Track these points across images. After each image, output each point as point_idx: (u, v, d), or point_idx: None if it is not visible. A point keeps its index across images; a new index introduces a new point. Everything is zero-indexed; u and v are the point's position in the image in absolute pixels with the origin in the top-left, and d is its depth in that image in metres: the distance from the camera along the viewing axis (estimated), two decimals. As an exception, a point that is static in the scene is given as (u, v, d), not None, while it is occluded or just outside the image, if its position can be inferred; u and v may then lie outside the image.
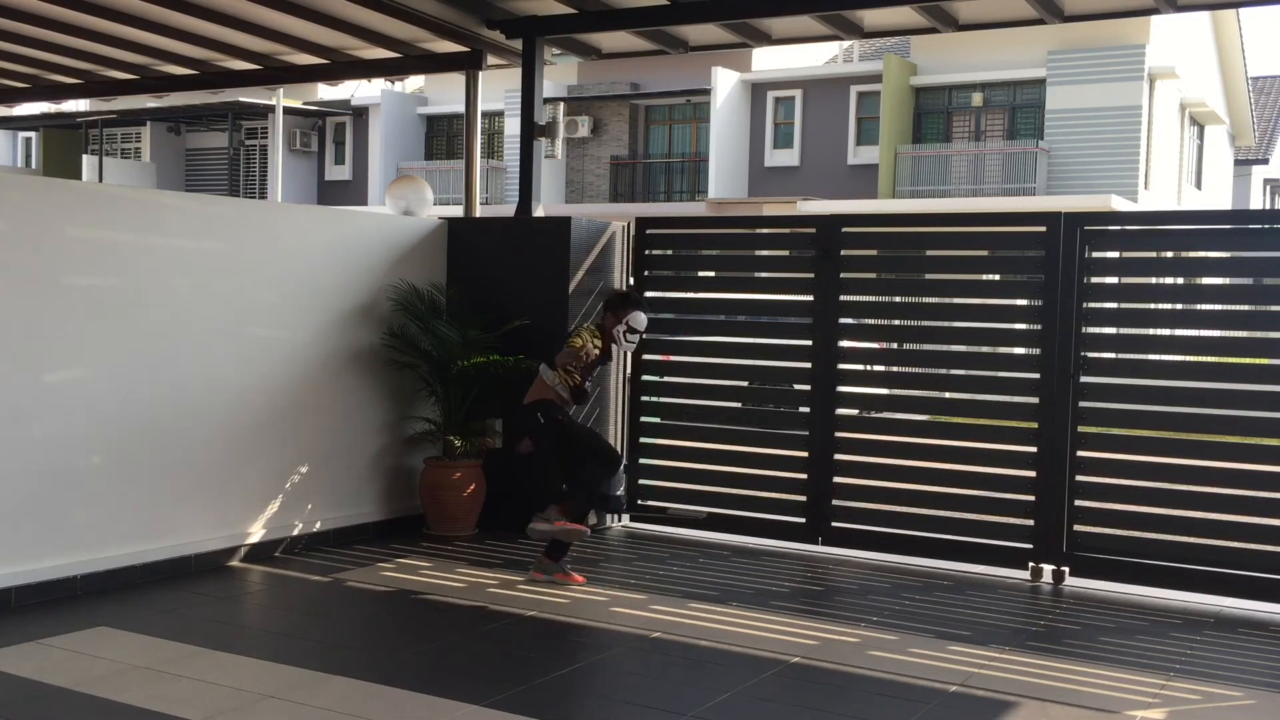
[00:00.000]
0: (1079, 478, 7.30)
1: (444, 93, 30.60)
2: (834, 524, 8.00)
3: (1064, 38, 23.14)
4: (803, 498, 8.09)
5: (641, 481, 8.69)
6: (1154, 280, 8.17)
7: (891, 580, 7.36)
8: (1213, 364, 7.48)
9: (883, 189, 24.94)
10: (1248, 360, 7.39)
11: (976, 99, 25.07)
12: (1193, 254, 8.06)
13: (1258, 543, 6.89)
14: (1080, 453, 7.30)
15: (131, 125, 33.78)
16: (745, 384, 8.95)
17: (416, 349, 8.24)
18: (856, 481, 8.02)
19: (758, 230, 9.91)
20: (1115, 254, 7.88)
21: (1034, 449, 7.41)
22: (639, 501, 8.70)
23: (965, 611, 6.66)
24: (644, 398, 8.75)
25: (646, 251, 8.75)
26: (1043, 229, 7.44)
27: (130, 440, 6.78)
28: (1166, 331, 7.73)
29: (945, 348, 8.28)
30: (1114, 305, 7.56)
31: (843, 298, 8.02)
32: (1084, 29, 22.23)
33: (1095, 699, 5.20)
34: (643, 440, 8.71)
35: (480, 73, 9.47)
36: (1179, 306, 7.77)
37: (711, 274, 9.01)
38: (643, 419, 8.77)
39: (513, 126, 27.59)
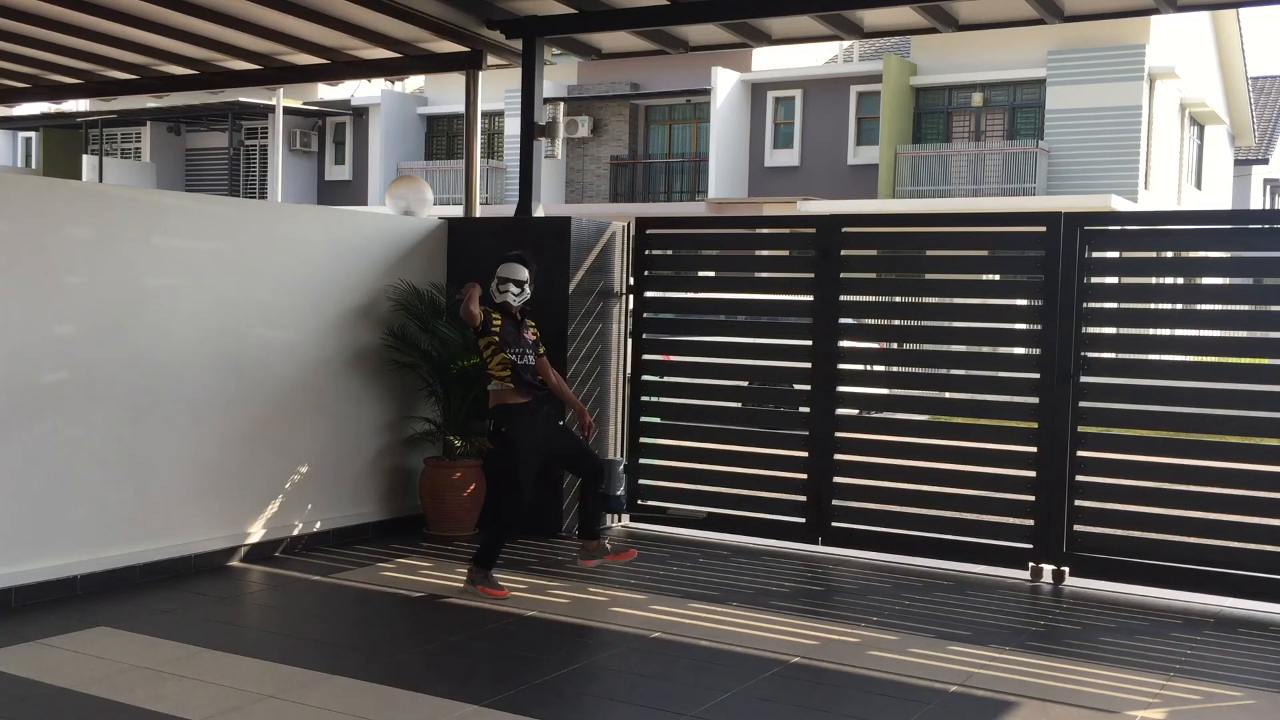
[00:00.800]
0: (1079, 478, 7.30)
1: (444, 93, 30.60)
2: (834, 524, 8.00)
3: (1064, 38, 23.14)
4: (803, 498, 8.09)
5: (641, 481, 8.69)
6: (1154, 280, 8.17)
7: (891, 580, 7.36)
8: (1213, 364, 7.48)
9: (883, 189, 24.94)
10: (1248, 360, 7.39)
11: (976, 99, 25.07)
12: (1193, 254, 8.07)
13: (1257, 543, 6.89)
14: (1080, 453, 7.30)
15: (131, 125, 33.78)
16: (745, 384, 8.95)
17: (416, 349, 8.24)
18: (856, 481, 8.02)
19: (758, 230, 9.91)
20: (1115, 254, 7.88)
21: (1034, 449, 7.41)
22: (639, 501, 8.70)
23: (965, 611, 6.66)
24: (644, 398, 8.75)
25: (646, 251, 8.75)
26: (1043, 229, 7.44)
27: (130, 440, 6.78)
28: (1166, 331, 7.73)
29: (945, 348, 8.29)
30: (1114, 305, 7.56)
31: (843, 298, 8.02)
32: (1084, 29, 22.23)
33: (1095, 699, 5.20)
34: (643, 440, 8.71)
35: (480, 73, 9.47)
36: (1179, 306, 7.77)
37: (711, 274, 9.01)
38: (643, 419, 8.77)
39: (513, 126, 27.59)
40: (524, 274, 6.93)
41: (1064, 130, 23.64)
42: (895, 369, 8.97)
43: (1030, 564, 7.45)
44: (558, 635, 6.08)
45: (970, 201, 23.46)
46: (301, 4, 8.48)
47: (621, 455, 8.75)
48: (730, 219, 16.24)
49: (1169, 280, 8.29)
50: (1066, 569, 7.35)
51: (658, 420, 8.80)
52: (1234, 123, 30.53)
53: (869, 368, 8.48)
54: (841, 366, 8.02)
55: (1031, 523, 7.41)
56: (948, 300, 8.18)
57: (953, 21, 8.47)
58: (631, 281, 8.74)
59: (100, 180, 29.79)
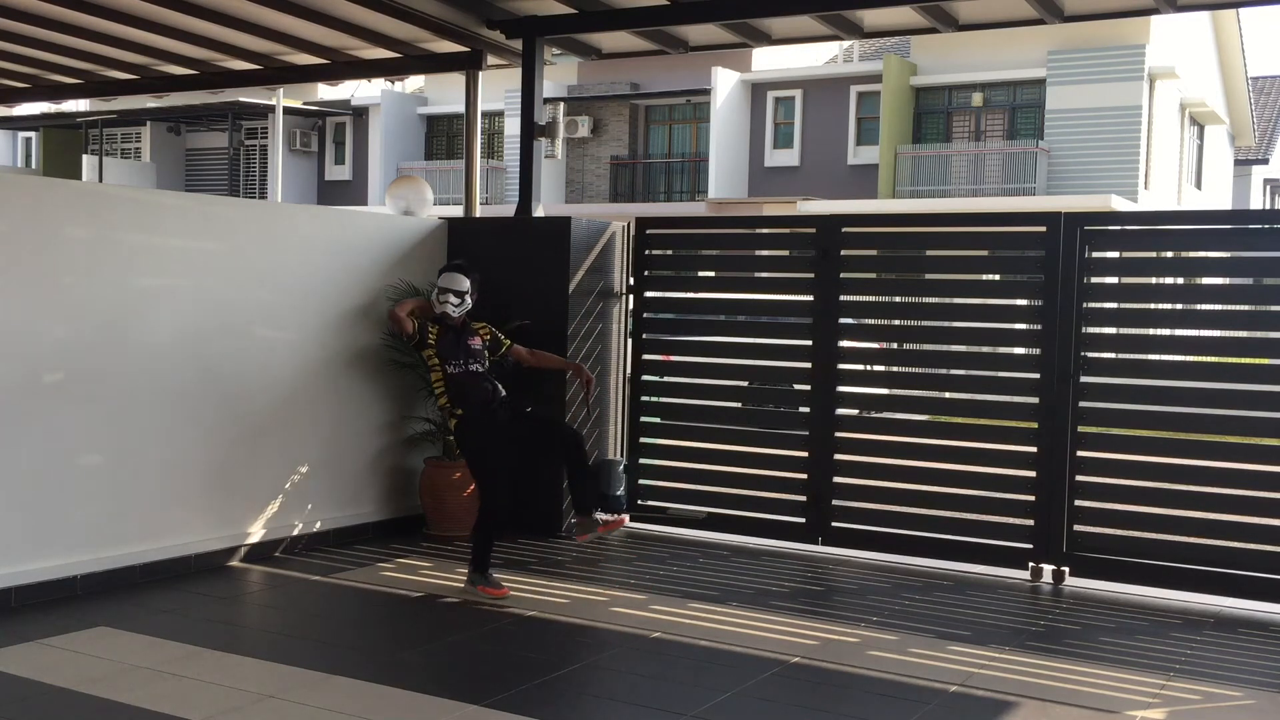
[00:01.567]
0: (1079, 478, 7.30)
1: (444, 93, 30.60)
2: (834, 524, 8.00)
3: (1064, 38, 23.14)
4: (803, 498, 8.09)
5: (642, 481, 8.69)
6: (1154, 280, 8.17)
7: (891, 580, 7.36)
8: (1213, 364, 7.48)
9: (883, 189, 24.94)
10: (1248, 360, 7.39)
11: (976, 99, 25.07)
12: (1193, 254, 8.06)
13: (1257, 543, 6.89)
14: (1080, 453, 7.30)
15: (131, 125, 33.78)
16: (745, 384, 8.95)
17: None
18: (856, 481, 8.01)
19: (758, 230, 9.91)
20: (1115, 254, 7.88)
21: (1034, 449, 7.41)
22: (639, 501, 8.70)
23: (965, 611, 6.66)
24: (644, 398, 8.75)
25: (646, 251, 8.75)
26: (1043, 229, 7.44)
27: (130, 440, 6.77)
28: (1166, 331, 7.73)
29: (945, 348, 8.29)
30: (1114, 305, 7.56)
31: (843, 298, 8.02)
32: (1084, 29, 22.23)
33: (1095, 699, 5.20)
34: (643, 440, 8.71)
35: (480, 73, 9.46)
36: (1179, 306, 7.77)
37: (711, 274, 9.01)
38: (643, 419, 8.77)
39: (513, 126, 27.59)
40: (464, 284, 6.84)
41: (1064, 130, 23.65)
42: (895, 369, 8.97)
43: (1030, 564, 7.44)
44: (558, 635, 6.08)
45: (970, 201, 23.46)
46: (301, 4, 8.48)
47: (621, 455, 8.75)
48: (730, 219, 16.25)
49: (1169, 280, 8.29)
50: (1066, 569, 7.35)
51: (658, 420, 8.80)
52: (1234, 123, 30.53)
53: (869, 368, 8.48)
54: (841, 366, 8.02)
55: (1031, 523, 7.41)
56: (948, 300, 8.18)
57: (953, 21, 8.47)
58: (631, 281, 8.74)
59: (100, 180, 29.80)
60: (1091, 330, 7.30)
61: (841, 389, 8.02)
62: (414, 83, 31.52)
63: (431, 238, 8.72)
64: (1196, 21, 26.36)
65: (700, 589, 6.98)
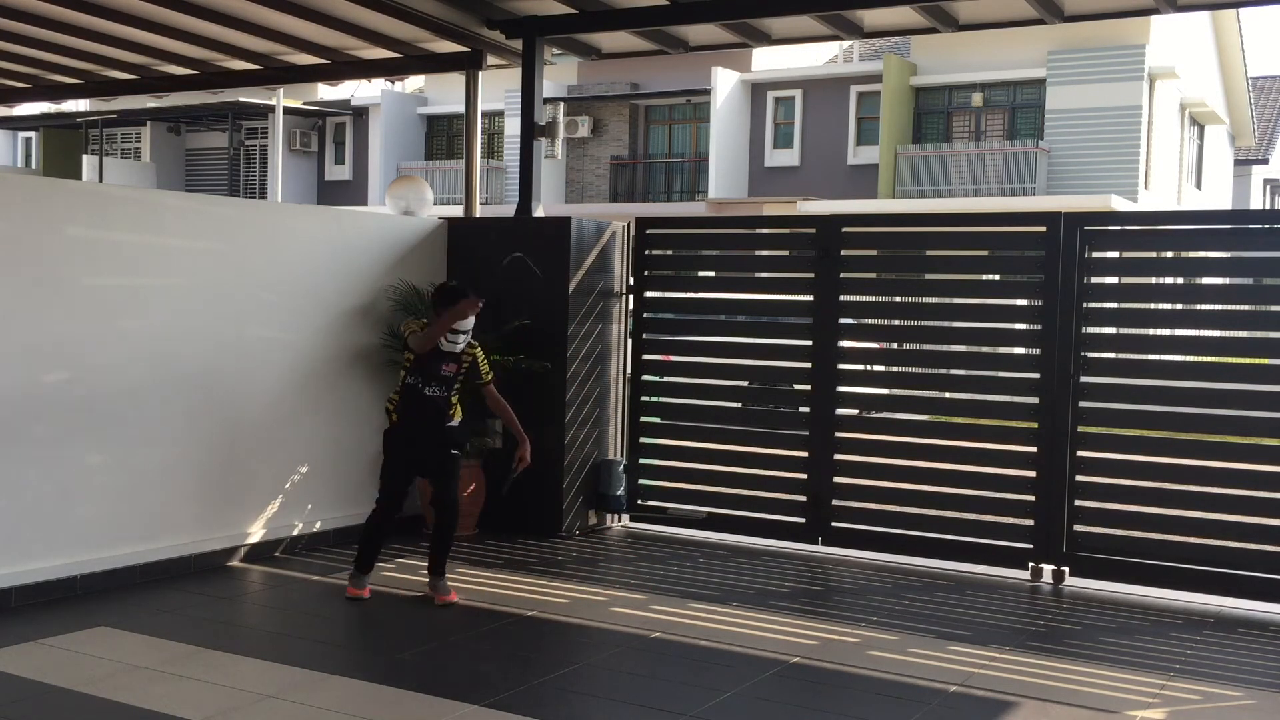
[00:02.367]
0: (1079, 478, 7.30)
1: (444, 93, 30.60)
2: (834, 524, 8.00)
3: (1064, 38, 23.13)
4: (803, 498, 8.09)
5: (641, 481, 8.69)
6: (1154, 280, 8.17)
7: (891, 580, 7.36)
8: (1213, 364, 7.49)
9: (883, 189, 24.93)
10: (1248, 360, 7.39)
11: (976, 99, 25.06)
12: (1193, 254, 8.06)
13: (1257, 543, 6.89)
14: (1080, 453, 7.30)
15: (131, 125, 33.78)
16: (745, 384, 8.95)
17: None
18: (856, 481, 8.02)
19: (758, 230, 9.91)
20: (1115, 254, 7.88)
21: (1034, 449, 7.41)
22: (639, 501, 8.70)
23: (965, 611, 6.66)
24: (644, 398, 8.75)
25: (646, 251, 8.75)
26: (1043, 229, 7.44)
27: (130, 440, 6.77)
28: (1166, 331, 7.73)
29: (945, 348, 8.28)
30: (1114, 305, 7.56)
31: (843, 298, 8.02)
32: (1084, 29, 22.22)
33: (1095, 699, 5.20)
34: (643, 440, 8.71)
35: (480, 73, 9.46)
36: (1179, 306, 7.77)
37: (711, 274, 9.01)
38: (643, 419, 8.77)
39: (513, 126, 27.58)
40: (471, 325, 6.48)
41: (1064, 130, 23.64)
42: (895, 369, 8.97)
43: (1030, 564, 7.44)
44: (558, 635, 6.08)
45: (970, 201, 23.45)
46: (301, 4, 8.48)
47: (621, 455, 8.75)
48: (730, 219, 16.24)
49: (1169, 280, 8.29)
50: (1066, 569, 7.35)
51: (658, 420, 8.80)
52: (1234, 123, 30.52)
53: (869, 368, 8.48)
54: (841, 366, 8.02)
55: (1031, 523, 7.41)
56: (948, 300, 8.18)
57: (953, 21, 8.47)
58: (631, 281, 8.74)
59: (100, 180, 29.79)
60: (1091, 330, 7.30)
61: (841, 389, 8.02)
62: (414, 83, 31.52)
63: (431, 238, 8.71)
64: (1196, 21, 26.35)
65: (700, 589, 6.98)
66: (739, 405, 8.88)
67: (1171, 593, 7.06)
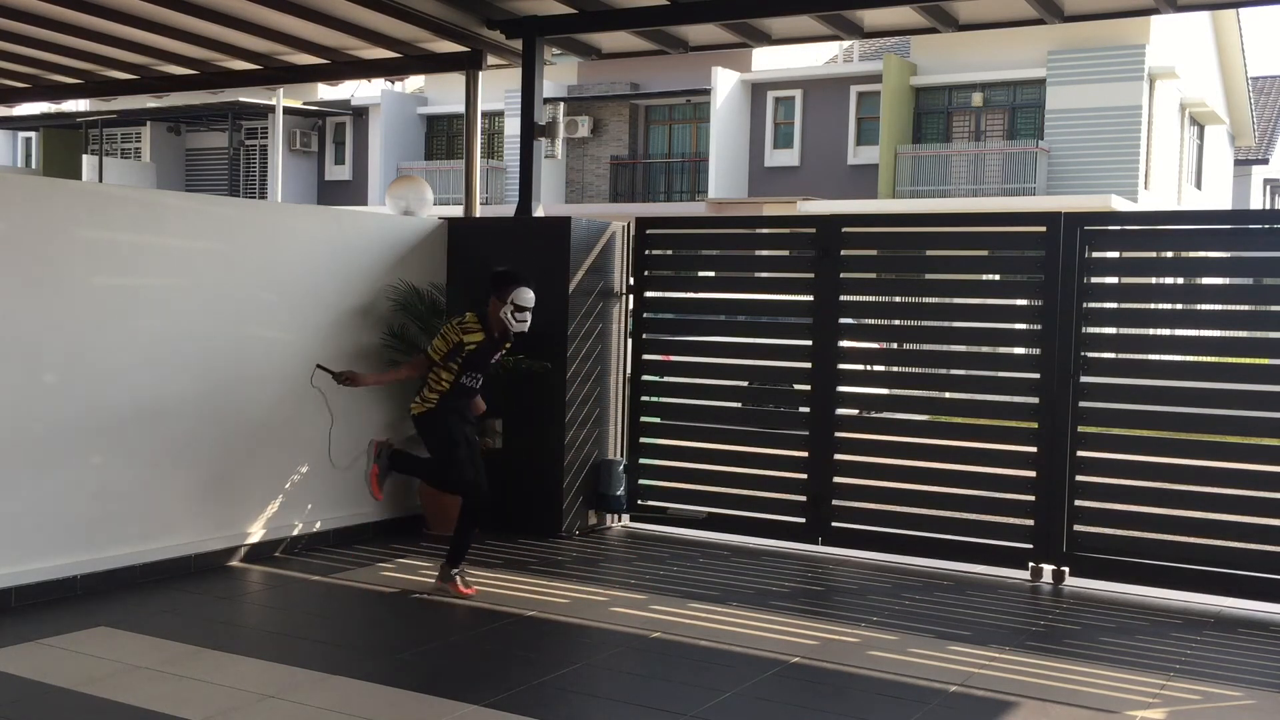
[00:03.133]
0: (1079, 478, 7.30)
1: (444, 93, 30.60)
2: (834, 524, 8.00)
3: (1064, 38, 23.13)
4: (803, 498, 8.09)
5: (641, 481, 8.69)
6: (1154, 280, 8.16)
7: (891, 580, 7.36)
8: (1213, 364, 7.48)
9: (883, 189, 24.93)
10: (1247, 360, 7.39)
11: (976, 99, 25.06)
12: (1193, 254, 8.06)
13: (1257, 543, 6.89)
14: (1080, 453, 7.30)
15: (131, 125, 33.78)
16: (745, 384, 8.95)
17: (416, 349, 8.22)
18: (856, 481, 8.01)
19: (758, 230, 9.91)
20: (1115, 254, 7.88)
21: (1034, 449, 7.41)
22: (639, 501, 8.70)
23: (965, 611, 6.66)
24: (644, 398, 8.75)
25: (646, 251, 8.75)
26: (1043, 229, 7.44)
27: (130, 440, 6.77)
28: (1166, 331, 7.73)
29: (945, 348, 8.28)
30: (1114, 305, 7.56)
31: (843, 298, 8.02)
32: (1084, 29, 22.22)
33: (1095, 699, 5.20)
34: (643, 440, 8.71)
35: (480, 73, 9.46)
36: (1179, 306, 7.77)
37: (711, 274, 9.01)
38: (643, 419, 8.77)
39: (513, 126, 27.58)
40: (533, 300, 6.71)
41: (1064, 130, 23.64)
42: (895, 369, 8.97)
43: (1030, 564, 7.44)
44: (558, 635, 6.08)
45: (970, 201, 23.45)
46: (301, 4, 8.48)
47: (621, 455, 8.75)
48: (730, 219, 16.24)
49: (1169, 280, 8.29)
50: (1066, 569, 7.35)
51: (658, 420, 8.80)
52: (1234, 123, 30.52)
53: (869, 368, 8.48)
54: (841, 366, 8.02)
55: (1031, 523, 7.41)
56: (948, 300, 8.17)
57: (953, 21, 8.47)
58: (631, 281, 8.74)
59: (100, 180, 29.79)
60: (1091, 330, 7.30)
61: (841, 389, 8.02)
62: (414, 83, 31.51)
63: (431, 238, 8.71)
64: (1196, 21, 26.35)
65: (700, 589, 6.98)
66: (739, 405, 8.88)
67: (1171, 593, 7.06)
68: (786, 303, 8.45)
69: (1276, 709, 5.21)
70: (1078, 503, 7.31)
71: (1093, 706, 5.11)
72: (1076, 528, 7.31)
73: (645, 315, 8.73)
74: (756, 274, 8.92)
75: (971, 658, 5.75)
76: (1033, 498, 7.41)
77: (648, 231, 8.76)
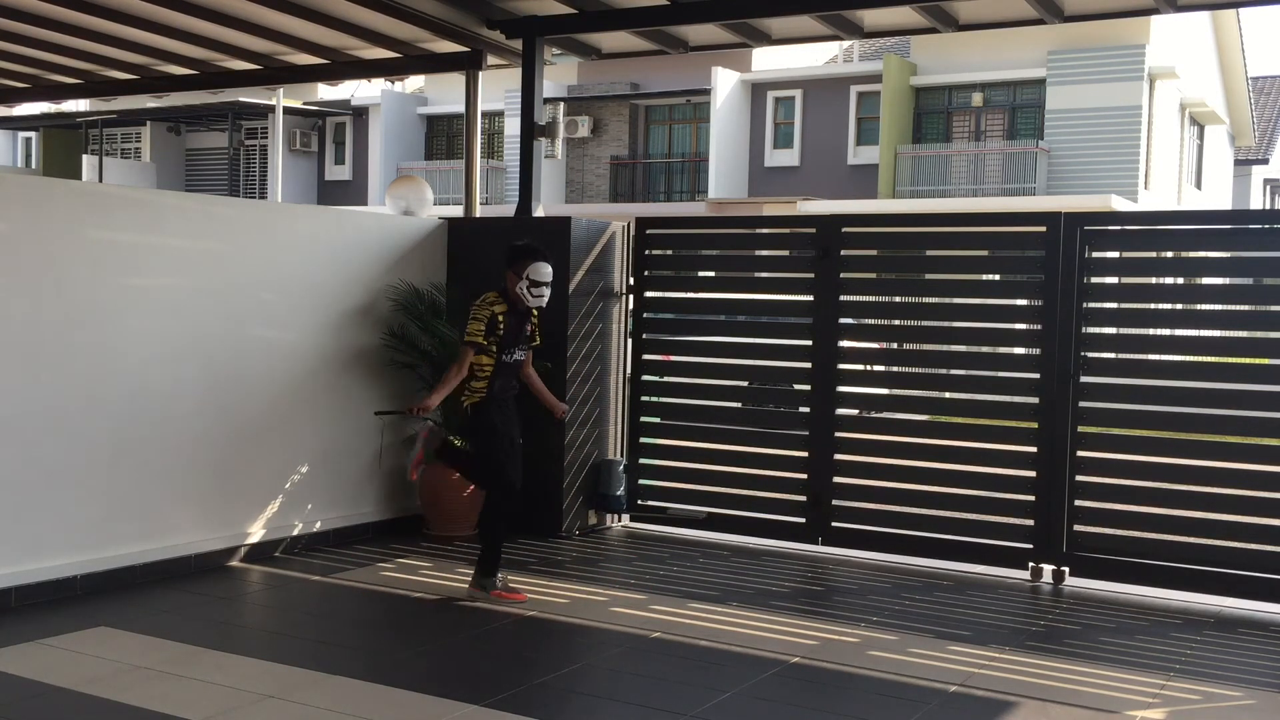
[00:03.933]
0: (1079, 478, 7.30)
1: (444, 93, 30.60)
2: (834, 524, 7.99)
3: (1064, 38, 23.14)
4: (803, 498, 8.09)
5: (641, 481, 8.69)
6: (1154, 280, 8.17)
7: (891, 580, 7.36)
8: (1212, 364, 7.48)
9: (883, 189, 24.94)
10: (1248, 360, 7.39)
11: (976, 99, 25.07)
12: (1193, 254, 8.06)
13: (1258, 543, 6.89)
14: (1080, 453, 7.29)
15: (131, 125, 33.79)
16: (745, 384, 8.95)
17: (416, 349, 8.24)
18: (857, 481, 8.01)
19: (758, 230, 9.91)
20: (1115, 254, 7.88)
21: (1034, 449, 7.41)
22: (639, 501, 8.70)
23: (965, 611, 6.66)
24: (644, 398, 8.75)
25: (646, 251, 8.75)
26: (1043, 229, 7.44)
27: (131, 440, 6.78)
28: (1166, 331, 7.73)
29: (945, 348, 8.28)
30: (1114, 305, 7.56)
31: (843, 298, 8.02)
32: (1084, 29, 22.23)
33: (1095, 699, 5.20)
34: (643, 440, 8.71)
35: (480, 73, 9.47)
36: (1179, 306, 7.77)
37: (711, 274, 9.01)
38: (643, 419, 8.77)
39: (513, 126, 27.58)
40: (551, 274, 6.61)
41: (1064, 130, 23.64)
42: (895, 369, 8.97)
43: (1030, 564, 7.44)
44: (558, 635, 6.08)
45: (970, 201, 23.46)
46: (301, 4, 8.48)
47: (621, 455, 8.75)
48: (730, 219, 16.24)
49: (1169, 280, 8.29)
50: (1066, 569, 7.35)
51: (658, 420, 8.80)
52: (1234, 123, 30.53)
53: (869, 368, 8.48)
54: (841, 366, 8.02)
55: (1031, 523, 7.41)
56: (948, 300, 8.17)
57: (953, 21, 8.47)
58: (631, 281, 8.74)
59: (100, 180, 29.79)
60: (1091, 330, 7.30)
61: (841, 389, 8.02)
62: (414, 83, 31.51)
63: (431, 238, 8.71)
64: (1196, 21, 26.35)
65: (700, 589, 6.98)
66: (739, 405, 8.88)
67: (1171, 593, 7.06)
68: (786, 303, 8.45)
69: (1276, 709, 5.21)
70: (1078, 503, 7.31)
71: (1093, 706, 5.11)
72: (1076, 528, 7.31)
73: (645, 315, 8.73)
74: (756, 274, 8.92)
75: (971, 658, 5.75)
76: (1033, 498, 7.41)
77: (648, 231, 8.76)
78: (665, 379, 8.77)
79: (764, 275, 8.94)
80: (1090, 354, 7.30)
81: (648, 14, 8.41)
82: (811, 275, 8.11)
